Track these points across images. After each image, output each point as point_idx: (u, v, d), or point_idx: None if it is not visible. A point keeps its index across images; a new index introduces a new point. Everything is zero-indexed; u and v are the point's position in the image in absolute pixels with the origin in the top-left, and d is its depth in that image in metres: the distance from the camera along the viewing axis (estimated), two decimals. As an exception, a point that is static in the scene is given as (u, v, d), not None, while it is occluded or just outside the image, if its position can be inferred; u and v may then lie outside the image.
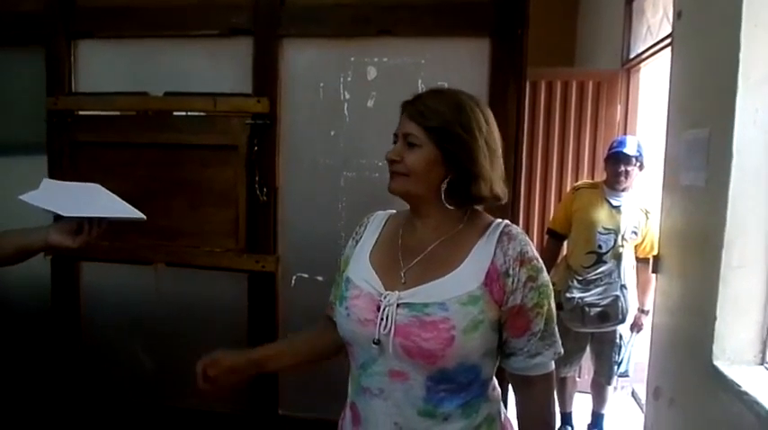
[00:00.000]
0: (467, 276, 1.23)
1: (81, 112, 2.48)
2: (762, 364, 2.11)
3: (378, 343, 1.22)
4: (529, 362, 1.26)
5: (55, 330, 2.57)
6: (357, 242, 1.41)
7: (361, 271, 1.32)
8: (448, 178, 1.25)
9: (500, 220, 1.30)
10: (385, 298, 1.23)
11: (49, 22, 2.45)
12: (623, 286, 3.14)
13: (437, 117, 1.23)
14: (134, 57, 2.47)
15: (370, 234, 1.40)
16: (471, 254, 1.25)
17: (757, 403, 1.85)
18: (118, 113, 2.48)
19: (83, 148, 2.47)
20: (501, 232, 1.26)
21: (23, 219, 2.56)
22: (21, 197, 1.39)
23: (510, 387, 1.36)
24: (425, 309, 1.20)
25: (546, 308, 1.25)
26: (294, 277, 2.39)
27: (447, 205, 1.26)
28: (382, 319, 1.21)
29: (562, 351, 1.29)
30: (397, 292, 1.23)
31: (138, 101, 2.42)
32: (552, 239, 3.48)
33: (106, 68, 2.48)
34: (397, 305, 1.21)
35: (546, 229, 3.64)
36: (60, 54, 2.46)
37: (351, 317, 1.27)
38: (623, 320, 3.17)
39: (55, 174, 2.48)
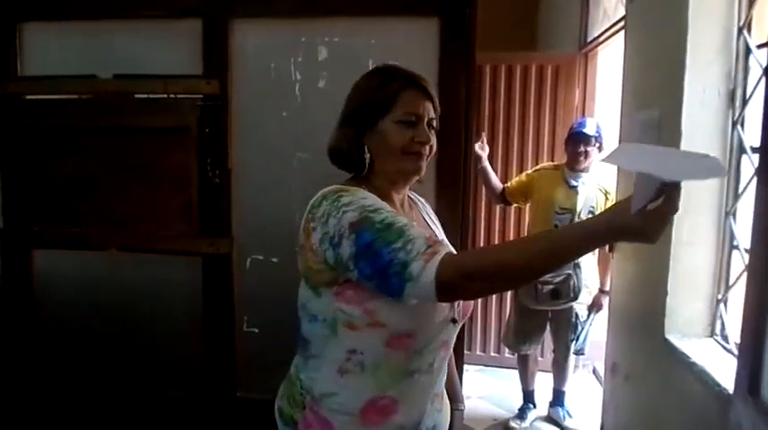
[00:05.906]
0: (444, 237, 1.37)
1: (29, 97, 2.43)
2: (711, 336, 2.16)
3: (455, 321, 1.26)
4: None
5: (6, 318, 2.53)
6: None
7: None
8: None
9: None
10: None
11: (-8, 5, 2.39)
12: (576, 265, 3.17)
13: (438, 105, 1.28)
14: (82, 39, 2.42)
15: None
16: (430, 218, 1.41)
17: (705, 373, 1.89)
18: (68, 97, 2.43)
19: (32, 133, 2.42)
20: (417, 197, 1.43)
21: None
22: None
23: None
24: None
25: None
26: (249, 259, 2.37)
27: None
28: None
29: None
30: None
31: (86, 84, 2.38)
32: (502, 197, 3.51)
33: (54, 52, 2.43)
34: None
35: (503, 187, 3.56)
36: (6, 37, 2.40)
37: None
38: (575, 298, 3.21)
39: (4, 159, 2.44)
